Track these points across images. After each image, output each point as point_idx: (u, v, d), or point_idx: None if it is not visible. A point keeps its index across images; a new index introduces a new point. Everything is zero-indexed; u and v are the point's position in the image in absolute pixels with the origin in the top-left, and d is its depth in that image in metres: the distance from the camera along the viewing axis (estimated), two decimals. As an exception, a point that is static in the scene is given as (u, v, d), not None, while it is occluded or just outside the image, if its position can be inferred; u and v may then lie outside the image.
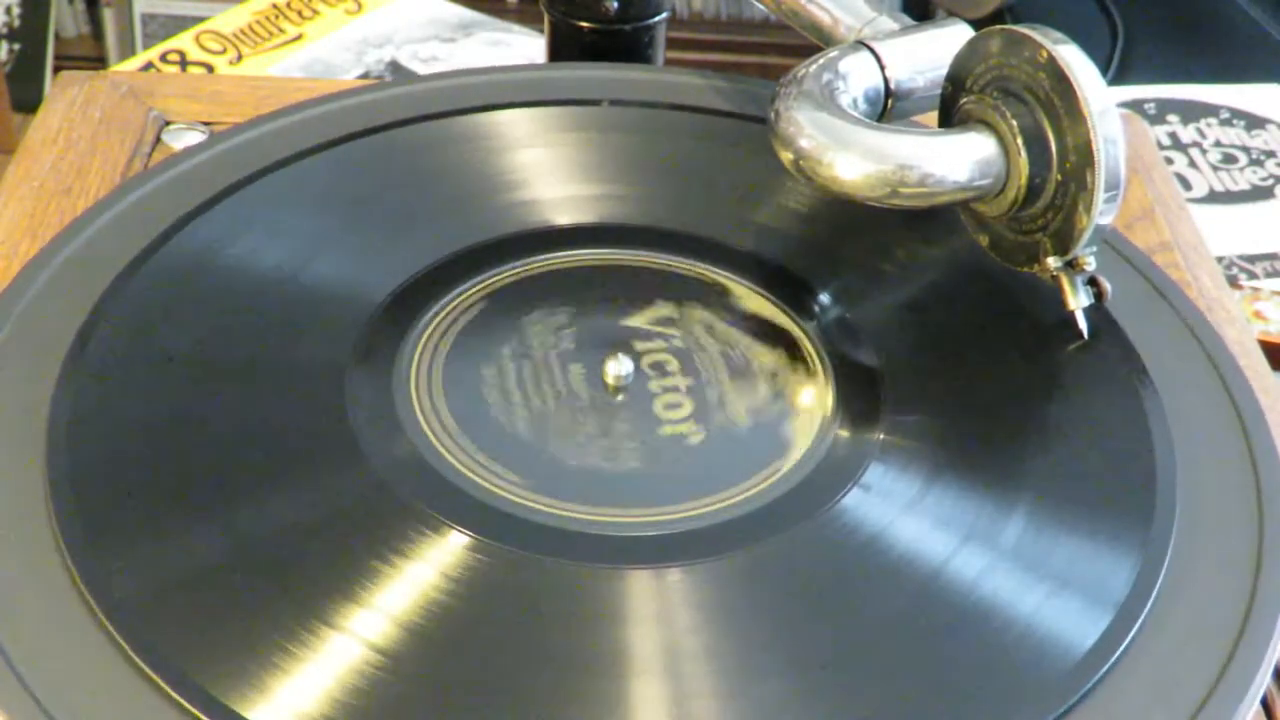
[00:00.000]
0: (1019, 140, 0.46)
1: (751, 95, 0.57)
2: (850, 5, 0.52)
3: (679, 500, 0.42)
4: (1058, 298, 0.47)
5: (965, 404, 0.46)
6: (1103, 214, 0.45)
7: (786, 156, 0.46)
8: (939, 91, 0.49)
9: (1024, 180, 0.46)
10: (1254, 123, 0.94)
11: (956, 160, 0.45)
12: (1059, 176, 0.45)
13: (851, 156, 0.45)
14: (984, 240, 0.49)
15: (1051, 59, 0.44)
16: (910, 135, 0.46)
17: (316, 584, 0.39)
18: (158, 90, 0.60)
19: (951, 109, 0.49)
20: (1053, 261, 0.46)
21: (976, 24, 0.50)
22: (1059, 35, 0.45)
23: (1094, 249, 0.46)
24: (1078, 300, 0.47)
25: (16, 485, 0.41)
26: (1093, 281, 0.47)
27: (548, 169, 0.54)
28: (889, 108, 0.50)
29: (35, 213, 0.53)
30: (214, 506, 0.41)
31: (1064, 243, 0.46)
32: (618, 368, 0.46)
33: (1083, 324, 0.47)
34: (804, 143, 0.46)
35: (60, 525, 0.40)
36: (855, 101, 0.48)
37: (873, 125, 0.46)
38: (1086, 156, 0.44)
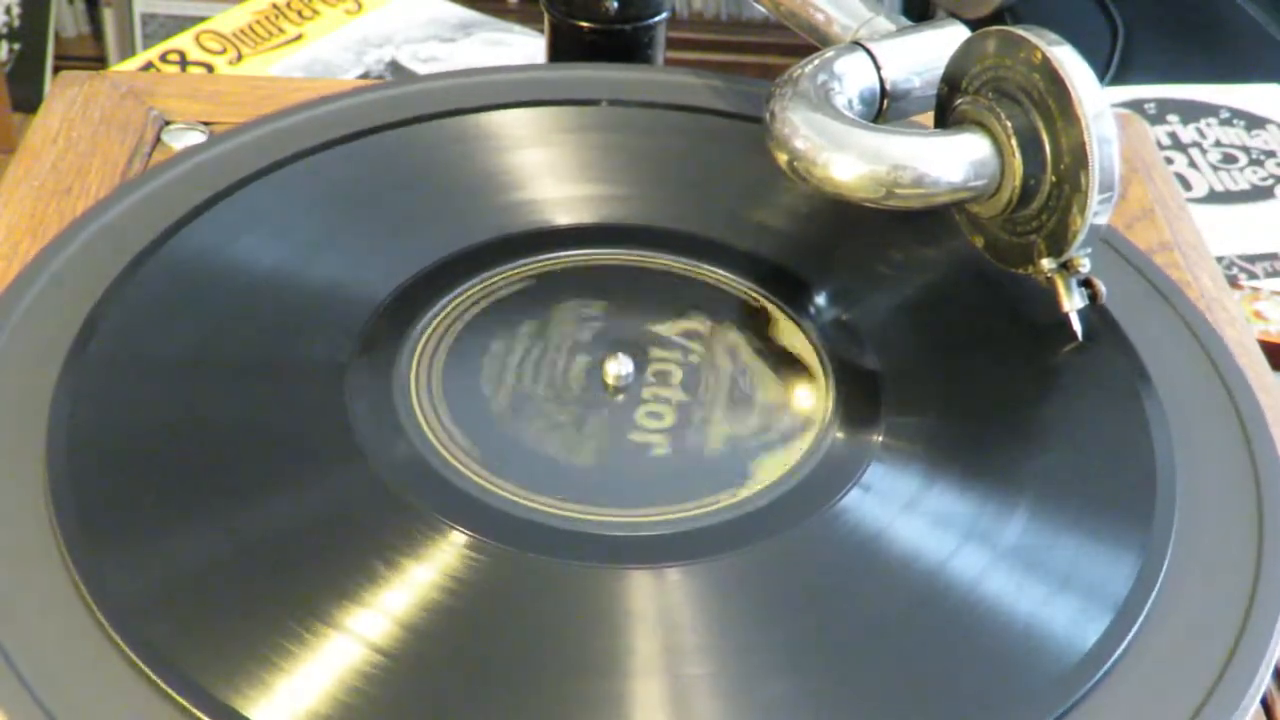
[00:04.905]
0: (1014, 141, 0.46)
1: (751, 95, 0.57)
2: (847, 6, 0.52)
3: (678, 500, 0.42)
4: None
5: (965, 404, 0.46)
6: (1097, 215, 0.44)
7: (782, 157, 0.46)
8: (935, 92, 0.49)
9: (1019, 181, 0.46)
10: (1254, 123, 0.94)
11: (951, 161, 0.45)
12: (1053, 178, 0.45)
13: (846, 157, 0.45)
14: (979, 242, 0.49)
15: (1046, 60, 0.44)
16: (905, 136, 0.46)
17: (316, 584, 0.39)
18: (158, 90, 0.60)
19: (947, 110, 0.49)
20: (1047, 263, 0.46)
21: (975, 24, 0.50)
22: (1054, 36, 0.45)
23: (1089, 250, 0.46)
24: (1072, 302, 0.46)
25: (16, 485, 0.41)
26: (1087, 283, 0.47)
27: (547, 169, 0.54)
28: (885, 108, 0.50)
29: (35, 213, 0.53)
30: (214, 506, 0.41)
31: (1059, 244, 0.46)
32: (617, 368, 0.46)
33: (1077, 326, 0.47)
34: (799, 143, 0.46)
35: (60, 525, 0.40)
36: (851, 102, 0.48)
37: (868, 126, 0.46)
38: (1081, 158, 0.44)
